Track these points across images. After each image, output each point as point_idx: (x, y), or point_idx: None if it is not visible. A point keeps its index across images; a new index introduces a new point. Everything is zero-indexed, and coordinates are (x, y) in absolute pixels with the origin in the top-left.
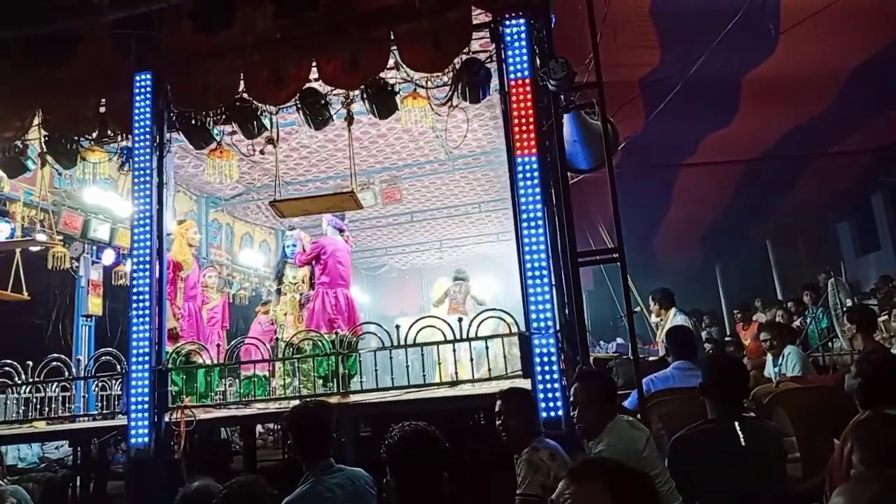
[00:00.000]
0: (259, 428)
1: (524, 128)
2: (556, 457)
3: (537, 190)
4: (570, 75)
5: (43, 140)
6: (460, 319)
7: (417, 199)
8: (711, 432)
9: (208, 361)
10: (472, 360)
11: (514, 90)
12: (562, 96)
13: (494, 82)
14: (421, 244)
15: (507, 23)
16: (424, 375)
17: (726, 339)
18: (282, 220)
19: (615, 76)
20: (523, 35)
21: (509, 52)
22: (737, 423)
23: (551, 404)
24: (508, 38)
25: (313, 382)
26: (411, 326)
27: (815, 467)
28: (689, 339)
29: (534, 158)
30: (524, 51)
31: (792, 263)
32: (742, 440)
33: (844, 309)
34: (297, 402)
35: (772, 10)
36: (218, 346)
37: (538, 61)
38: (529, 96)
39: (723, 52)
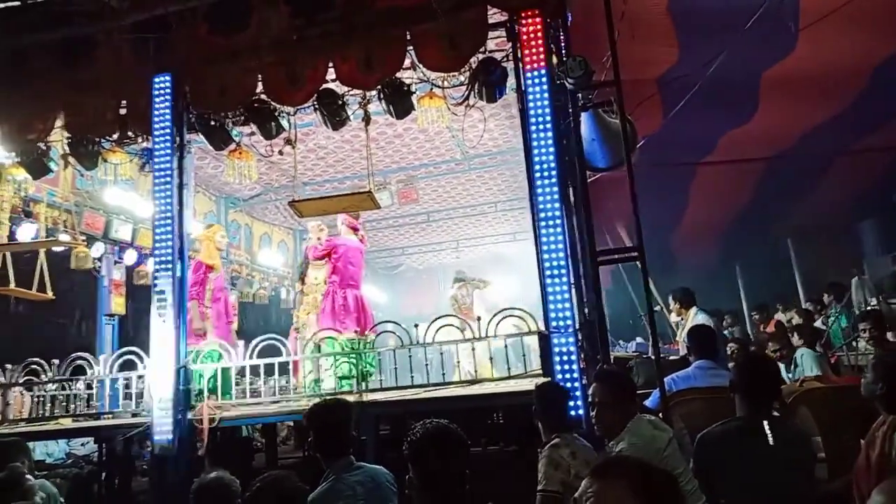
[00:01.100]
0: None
1: (541, 126)
2: (578, 455)
3: (555, 189)
4: (588, 73)
5: (65, 142)
6: (479, 319)
7: (434, 198)
8: (739, 430)
9: (231, 360)
10: (490, 358)
11: (530, 89)
12: (579, 94)
13: (511, 81)
14: (437, 244)
15: (524, 21)
16: (444, 374)
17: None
18: (300, 220)
19: (632, 74)
20: (540, 34)
21: (526, 51)
22: (766, 423)
23: (571, 403)
24: (525, 37)
25: (333, 380)
26: (430, 325)
27: (842, 468)
28: (711, 339)
29: (551, 157)
30: (541, 49)
31: (813, 262)
32: (770, 440)
33: (867, 308)
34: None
35: (791, 7)
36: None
37: (555, 60)
38: (546, 95)
39: (742, 50)
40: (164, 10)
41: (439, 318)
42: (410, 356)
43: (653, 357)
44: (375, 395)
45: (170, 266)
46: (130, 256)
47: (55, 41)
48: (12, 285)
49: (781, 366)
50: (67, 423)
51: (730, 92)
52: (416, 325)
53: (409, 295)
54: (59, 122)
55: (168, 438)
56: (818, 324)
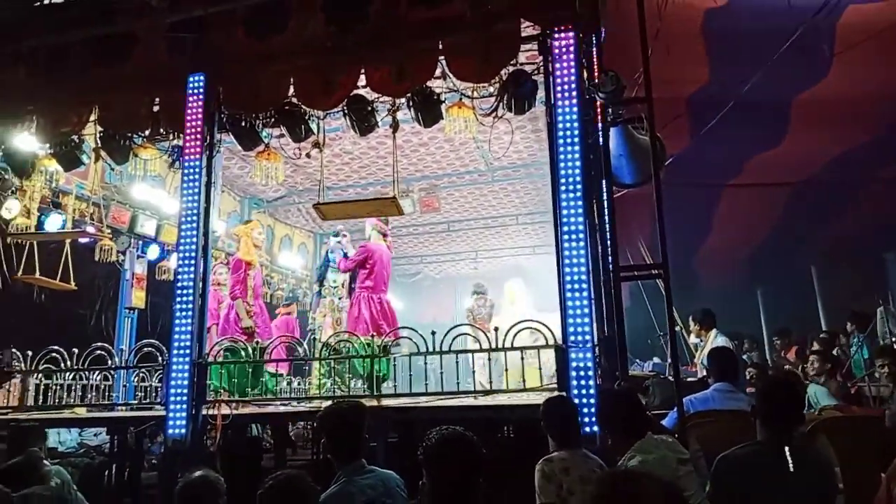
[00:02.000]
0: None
1: (569, 140)
2: (572, 471)
3: (580, 203)
4: (620, 89)
5: (98, 136)
6: (496, 329)
7: (455, 208)
8: (758, 455)
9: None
10: (506, 370)
11: (560, 103)
12: (609, 109)
13: (540, 94)
14: (456, 254)
15: (556, 36)
16: (458, 383)
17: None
18: (322, 223)
19: (661, 92)
20: (572, 48)
21: (557, 65)
22: (787, 449)
23: (586, 419)
24: (557, 52)
25: (347, 384)
26: (447, 333)
27: (860, 501)
28: (731, 361)
29: (577, 171)
30: (572, 64)
31: (837, 291)
32: (791, 466)
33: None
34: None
35: (827, 31)
36: None
37: (585, 74)
38: (575, 109)
39: (774, 73)
40: (204, 11)
41: (456, 326)
42: (426, 363)
43: (670, 377)
44: (387, 400)
45: (193, 262)
46: (153, 251)
47: (93, 37)
48: (37, 274)
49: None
50: (82, 412)
51: (759, 115)
52: (434, 333)
53: (425, 304)
54: (93, 116)
55: (181, 433)
56: (836, 351)
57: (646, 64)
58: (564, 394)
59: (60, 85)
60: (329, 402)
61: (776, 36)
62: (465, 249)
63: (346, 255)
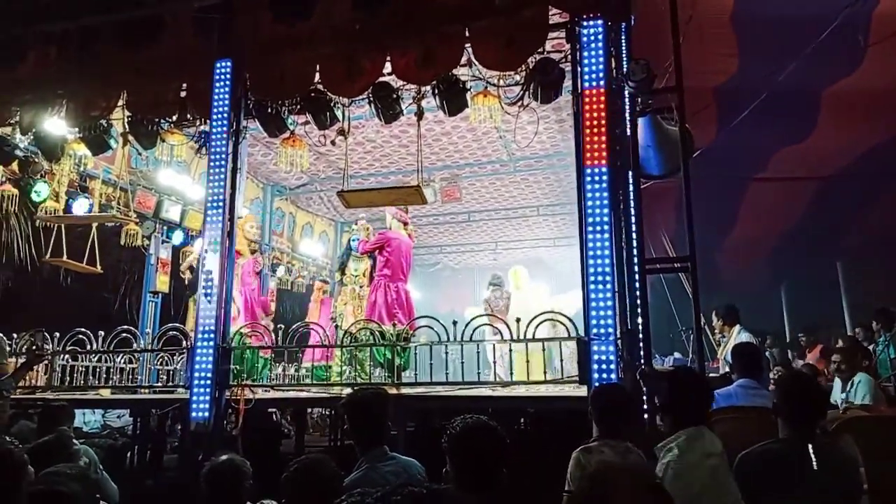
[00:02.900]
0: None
1: (595, 130)
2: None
3: (605, 195)
4: (650, 78)
5: (126, 120)
6: (518, 320)
7: (476, 198)
8: (781, 452)
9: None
10: (527, 361)
11: (587, 92)
12: (638, 99)
13: (567, 83)
14: (476, 244)
15: (585, 23)
16: (479, 374)
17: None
18: (343, 212)
19: (688, 82)
20: (600, 36)
21: (585, 54)
22: (810, 446)
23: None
24: (585, 39)
25: (368, 372)
26: (468, 324)
27: (885, 502)
28: (755, 357)
29: (604, 162)
30: (600, 52)
31: (863, 288)
32: (814, 464)
33: None
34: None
35: (862, 21)
36: None
37: (614, 63)
38: (603, 98)
39: (805, 64)
40: None
41: (477, 316)
42: (446, 353)
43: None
44: (406, 389)
45: (218, 247)
46: (178, 237)
47: (122, 21)
48: (65, 257)
49: (838, 383)
50: (106, 394)
51: (788, 107)
52: (455, 323)
53: (444, 293)
54: (121, 101)
55: (204, 416)
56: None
57: (677, 52)
58: (617, 383)
59: (90, 69)
60: (348, 389)
61: (808, 25)
62: (485, 240)
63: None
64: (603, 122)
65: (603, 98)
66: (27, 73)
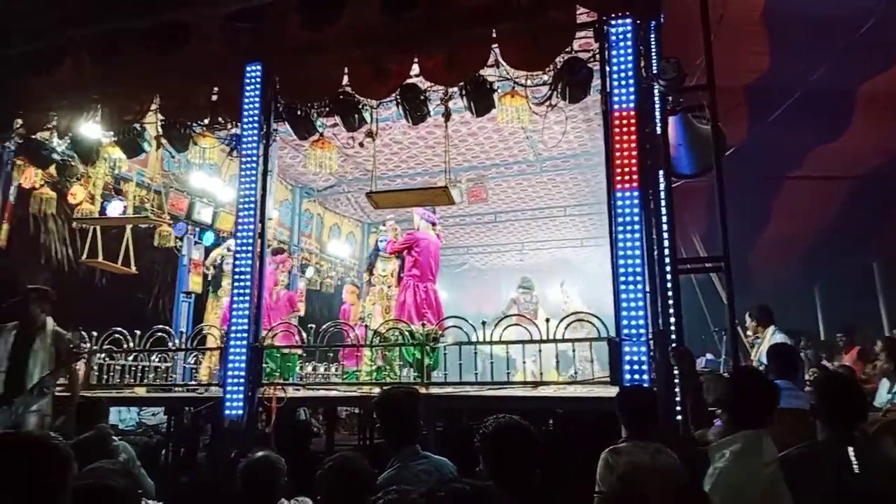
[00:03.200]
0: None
1: (625, 129)
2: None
3: (636, 193)
4: (681, 76)
5: (159, 124)
6: (547, 320)
7: (502, 199)
8: (820, 455)
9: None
10: (557, 362)
11: (616, 91)
12: (669, 98)
13: (595, 82)
14: (502, 245)
15: (613, 22)
16: (508, 374)
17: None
18: (370, 213)
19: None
20: (629, 35)
21: (613, 53)
22: (850, 449)
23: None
24: (613, 38)
25: (397, 371)
26: (497, 323)
27: None
28: (791, 358)
29: (633, 161)
30: (629, 51)
31: None
32: (855, 467)
33: None
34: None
35: None
36: None
37: (643, 62)
38: (632, 97)
39: (839, 60)
40: (261, 1)
41: (507, 316)
42: (476, 352)
43: (725, 374)
44: (435, 389)
45: (251, 248)
46: (209, 238)
47: (154, 27)
48: (100, 258)
49: (884, 384)
50: (141, 392)
51: (821, 105)
52: (484, 323)
53: (470, 294)
54: (154, 105)
55: (238, 414)
56: None
57: (708, 50)
58: (645, 385)
59: (123, 74)
60: (377, 389)
61: (842, 21)
62: (511, 241)
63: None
64: (633, 120)
65: (632, 97)
66: (63, 79)
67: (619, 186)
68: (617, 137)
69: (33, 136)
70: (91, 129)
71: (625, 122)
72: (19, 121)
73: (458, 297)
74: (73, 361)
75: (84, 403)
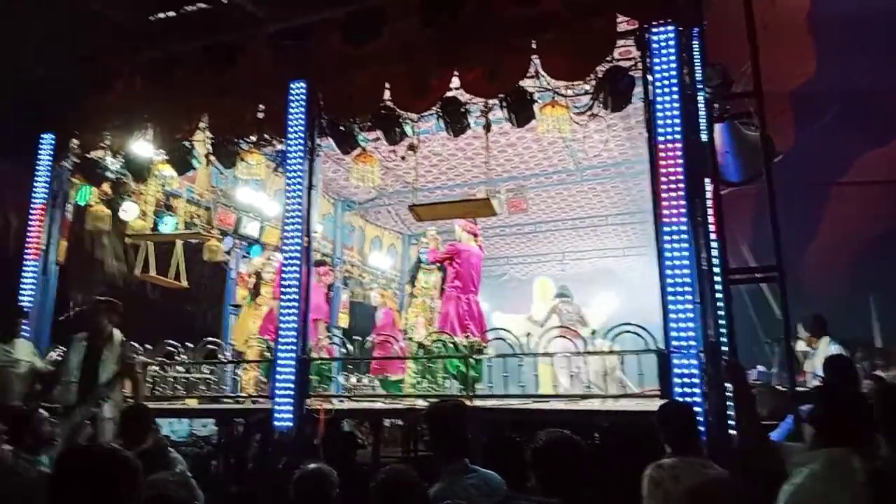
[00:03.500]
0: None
1: (670, 138)
2: (682, 479)
3: (682, 202)
4: (727, 83)
5: (208, 141)
6: (593, 332)
7: (542, 209)
8: (887, 471)
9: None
10: (604, 374)
11: (660, 99)
12: (715, 105)
13: (637, 90)
14: (543, 255)
15: (655, 30)
16: (555, 386)
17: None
18: (410, 225)
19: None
20: (672, 43)
21: (656, 60)
22: None
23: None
24: (656, 46)
25: (440, 383)
26: (543, 335)
27: None
28: (849, 370)
29: (679, 169)
30: (672, 59)
31: None
32: None
33: None
34: (421, 400)
35: None
36: None
37: (686, 69)
38: (677, 105)
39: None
40: (306, 19)
41: (554, 328)
42: (520, 364)
43: (777, 386)
44: (478, 401)
45: (298, 261)
46: (256, 252)
47: (202, 49)
48: (152, 272)
49: None
50: (193, 403)
51: (872, 109)
52: (529, 335)
53: (510, 304)
54: (202, 124)
55: (287, 426)
56: None
57: (755, 56)
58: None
59: (173, 94)
60: (421, 401)
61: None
62: (552, 251)
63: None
64: (677, 128)
65: (676, 105)
66: (116, 100)
67: (664, 196)
68: (661, 146)
69: (88, 156)
70: (143, 147)
71: (669, 130)
72: (75, 141)
73: (499, 308)
74: (128, 372)
75: (130, 408)
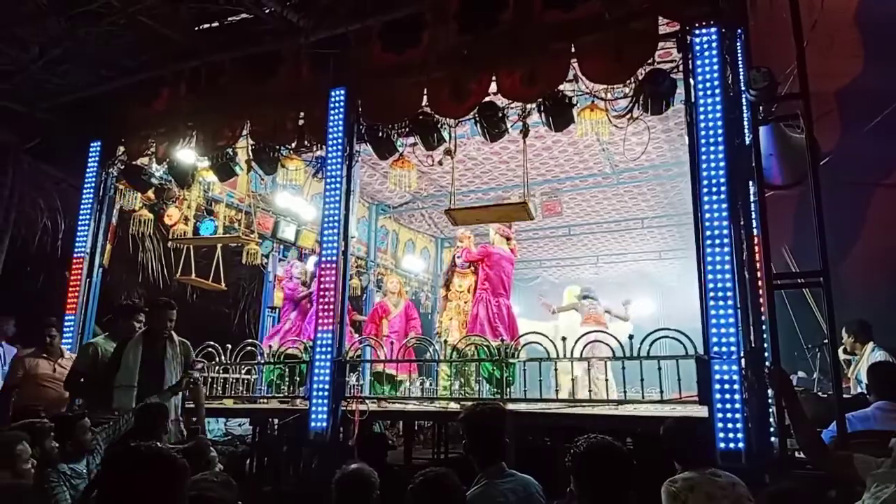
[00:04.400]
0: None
1: (711, 140)
2: (696, 488)
3: (724, 206)
4: (773, 85)
5: (249, 148)
6: (631, 337)
7: (577, 212)
8: None
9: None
10: (641, 379)
11: (702, 101)
12: (760, 107)
13: (678, 92)
14: (577, 258)
15: (697, 32)
16: (590, 392)
17: None
18: (444, 228)
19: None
20: (714, 44)
21: (698, 63)
22: None
23: (731, 435)
24: (698, 48)
25: (473, 386)
26: (578, 340)
27: None
28: (894, 378)
29: (721, 173)
30: (715, 61)
31: None
32: None
33: None
34: (454, 403)
35: None
36: None
37: (729, 71)
38: (719, 108)
39: None
40: (345, 28)
41: (589, 332)
42: (556, 370)
43: (819, 393)
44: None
45: (335, 265)
46: (293, 255)
47: (244, 58)
48: (193, 275)
49: None
50: (229, 403)
51: None
52: (564, 339)
53: (543, 308)
54: (245, 131)
55: (323, 426)
56: None
57: (801, 59)
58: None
59: (216, 102)
60: (454, 404)
61: None
62: (585, 254)
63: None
64: (720, 131)
65: (719, 107)
66: (161, 109)
67: (706, 199)
68: (703, 149)
69: (134, 163)
70: (186, 154)
71: (711, 133)
72: (121, 148)
73: (532, 312)
74: (190, 376)
75: (144, 406)
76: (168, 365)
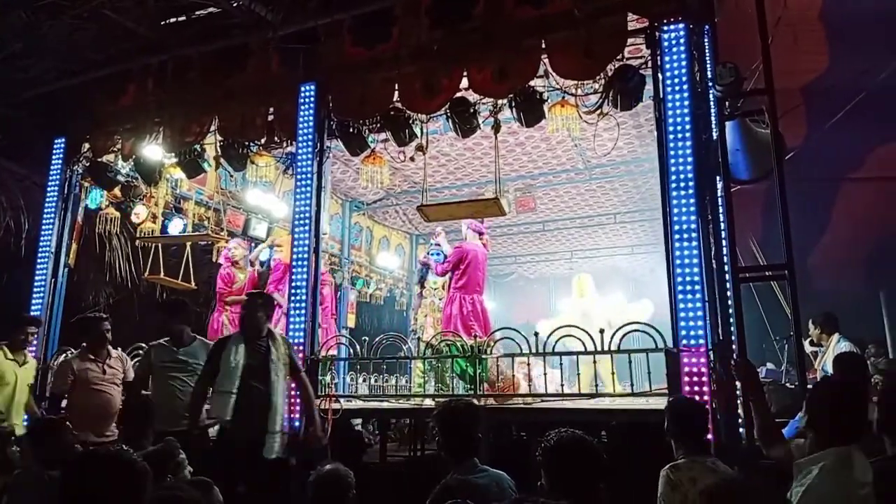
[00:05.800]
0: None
1: (679, 136)
2: (699, 481)
3: (691, 201)
4: (739, 81)
5: (218, 144)
6: (601, 331)
7: (550, 208)
8: (889, 471)
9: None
10: (613, 373)
11: (670, 97)
12: (726, 103)
13: (647, 89)
14: (551, 254)
15: (665, 28)
16: (562, 386)
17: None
18: (418, 225)
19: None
20: (682, 40)
21: (666, 59)
22: None
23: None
24: (666, 44)
25: (447, 383)
26: (550, 334)
27: None
28: (860, 368)
29: (689, 168)
30: (682, 57)
31: None
32: None
33: None
34: (428, 400)
35: None
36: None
37: (697, 66)
38: (687, 103)
39: None
40: (315, 22)
41: (562, 326)
42: (529, 364)
43: (786, 384)
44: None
45: (306, 262)
46: (265, 253)
47: (212, 52)
48: (162, 274)
49: None
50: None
51: (884, 103)
52: (537, 334)
53: (518, 304)
54: (213, 127)
55: (297, 425)
56: None
57: (766, 54)
58: (692, 397)
59: (184, 98)
60: (429, 401)
61: None
62: (560, 249)
63: (445, 257)
64: (687, 126)
65: (687, 103)
66: (127, 104)
67: (674, 194)
68: (672, 144)
69: (99, 160)
70: (153, 151)
71: (679, 128)
72: (86, 145)
73: (507, 307)
74: (297, 372)
75: (136, 406)
76: (274, 367)
